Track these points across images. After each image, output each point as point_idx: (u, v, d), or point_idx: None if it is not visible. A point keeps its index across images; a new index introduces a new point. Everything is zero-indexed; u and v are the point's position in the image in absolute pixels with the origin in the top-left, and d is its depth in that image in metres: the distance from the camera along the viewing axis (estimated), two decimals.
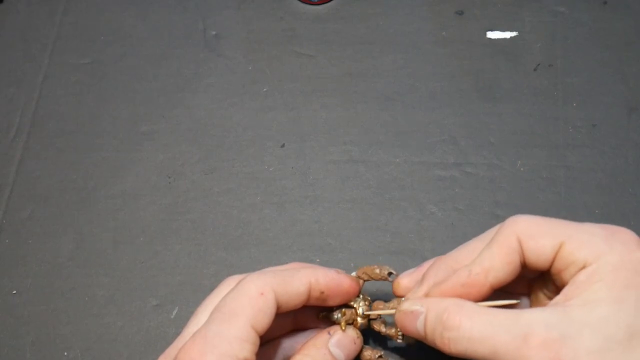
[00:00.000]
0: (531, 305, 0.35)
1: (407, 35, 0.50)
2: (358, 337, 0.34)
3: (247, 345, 0.29)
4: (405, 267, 0.40)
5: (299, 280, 0.32)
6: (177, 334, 0.38)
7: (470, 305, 0.30)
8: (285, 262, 0.36)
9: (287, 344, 0.35)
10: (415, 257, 0.40)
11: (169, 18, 0.52)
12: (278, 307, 0.31)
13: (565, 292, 0.30)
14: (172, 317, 0.39)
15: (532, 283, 0.34)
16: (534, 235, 0.31)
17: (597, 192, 0.42)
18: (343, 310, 0.34)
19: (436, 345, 0.31)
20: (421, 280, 0.33)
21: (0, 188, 0.44)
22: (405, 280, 0.35)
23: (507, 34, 0.49)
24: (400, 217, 0.42)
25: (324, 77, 0.48)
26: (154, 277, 0.40)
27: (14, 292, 0.40)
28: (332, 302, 0.34)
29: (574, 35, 0.49)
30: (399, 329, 0.34)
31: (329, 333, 0.34)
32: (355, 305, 0.34)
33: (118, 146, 0.46)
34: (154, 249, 0.41)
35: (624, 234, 0.30)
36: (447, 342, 0.30)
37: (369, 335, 0.37)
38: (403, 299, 0.34)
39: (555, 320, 0.28)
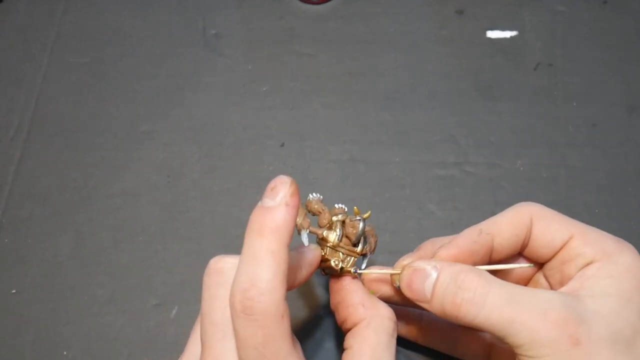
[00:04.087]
0: None
1: (407, 34, 0.50)
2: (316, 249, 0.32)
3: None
4: None
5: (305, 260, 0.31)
6: (176, 333, 0.38)
7: (487, 273, 0.30)
8: None
9: None
10: None
11: (169, 17, 0.52)
12: None
13: (572, 284, 0.30)
14: (172, 316, 0.39)
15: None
16: (546, 220, 0.31)
17: (597, 192, 0.42)
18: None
19: (442, 309, 0.30)
20: (417, 251, 0.33)
21: None
22: (406, 262, 0.33)
23: (507, 34, 0.49)
24: (400, 216, 0.42)
25: (324, 76, 0.48)
26: (153, 276, 0.40)
27: (14, 291, 0.40)
28: (300, 282, 0.32)
29: (574, 35, 0.49)
30: (338, 263, 0.32)
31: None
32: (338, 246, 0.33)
33: (118, 145, 0.46)
34: (153, 248, 0.41)
35: (630, 246, 0.31)
36: (460, 303, 0.29)
37: None
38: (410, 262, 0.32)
39: (572, 303, 0.28)
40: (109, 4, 0.53)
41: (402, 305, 0.34)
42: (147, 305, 0.39)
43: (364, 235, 0.33)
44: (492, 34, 0.49)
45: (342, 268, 0.33)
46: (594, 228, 0.31)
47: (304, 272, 0.31)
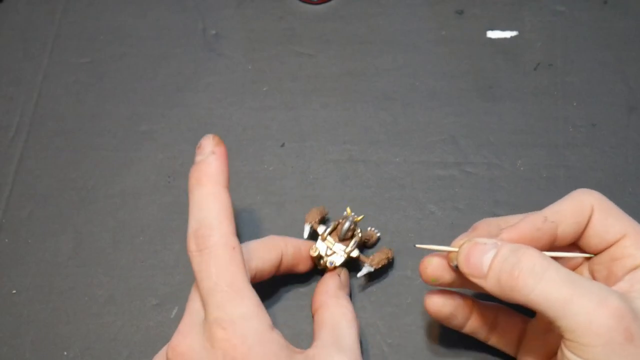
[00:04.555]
0: None
1: (407, 34, 0.50)
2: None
3: (263, 309, 0.30)
4: (404, 266, 0.40)
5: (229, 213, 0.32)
6: None
7: (547, 255, 0.30)
8: None
9: None
10: (415, 257, 0.40)
11: (169, 17, 0.52)
12: (254, 277, 0.33)
13: (621, 285, 0.30)
14: (172, 316, 0.39)
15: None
16: (605, 212, 0.31)
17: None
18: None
19: (498, 283, 0.29)
20: (472, 231, 0.33)
21: None
22: (463, 241, 0.32)
23: (507, 34, 0.49)
24: (400, 216, 0.42)
25: (324, 76, 0.48)
26: (153, 276, 0.40)
27: (14, 291, 0.40)
28: (302, 268, 0.37)
29: (574, 35, 0.49)
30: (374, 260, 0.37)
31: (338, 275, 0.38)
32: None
33: (118, 145, 0.46)
34: (153, 249, 0.41)
35: None
36: (517, 275, 0.28)
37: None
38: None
39: (627, 299, 0.28)
40: (109, 4, 0.53)
41: (458, 289, 0.34)
42: (147, 305, 0.39)
43: (358, 238, 0.38)
44: (492, 34, 0.49)
45: (320, 258, 0.37)
46: None
47: (290, 255, 0.36)
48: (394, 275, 0.39)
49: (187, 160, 0.45)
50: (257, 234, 0.42)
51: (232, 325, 0.29)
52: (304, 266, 0.38)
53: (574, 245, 0.33)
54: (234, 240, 0.30)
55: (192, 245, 0.30)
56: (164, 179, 0.44)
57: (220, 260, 0.30)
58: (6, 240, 0.42)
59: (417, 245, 0.33)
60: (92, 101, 0.48)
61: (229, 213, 0.31)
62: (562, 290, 0.28)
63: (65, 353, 0.38)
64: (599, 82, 0.47)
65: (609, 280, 0.31)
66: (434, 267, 0.33)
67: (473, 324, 0.35)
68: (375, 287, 0.39)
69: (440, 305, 0.33)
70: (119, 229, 0.42)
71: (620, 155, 0.44)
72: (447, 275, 0.33)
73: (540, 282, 0.28)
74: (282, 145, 0.45)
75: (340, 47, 0.50)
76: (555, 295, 0.28)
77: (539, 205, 0.33)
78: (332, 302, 0.35)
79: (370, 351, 0.37)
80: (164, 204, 0.43)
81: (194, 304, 0.31)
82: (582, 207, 0.31)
